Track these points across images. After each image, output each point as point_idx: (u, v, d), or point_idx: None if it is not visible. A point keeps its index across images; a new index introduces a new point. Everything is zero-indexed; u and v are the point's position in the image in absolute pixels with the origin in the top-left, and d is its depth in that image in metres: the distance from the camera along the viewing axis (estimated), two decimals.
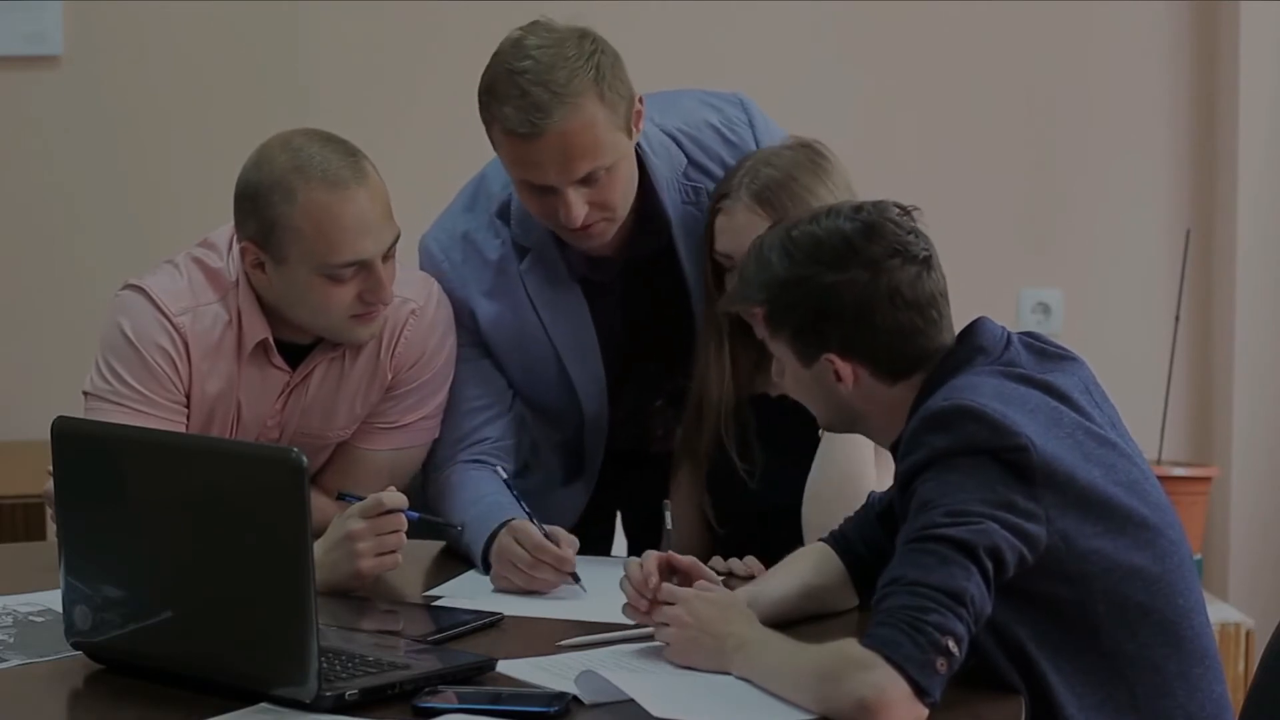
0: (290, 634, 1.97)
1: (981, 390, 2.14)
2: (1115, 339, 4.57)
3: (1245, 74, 4.49)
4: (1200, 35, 4.58)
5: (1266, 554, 4.55)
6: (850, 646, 1.99)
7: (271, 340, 2.72)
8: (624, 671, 2.11)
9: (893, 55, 4.57)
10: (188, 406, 2.71)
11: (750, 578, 2.54)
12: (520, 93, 2.60)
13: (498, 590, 2.58)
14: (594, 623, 2.38)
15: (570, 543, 2.56)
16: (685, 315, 2.81)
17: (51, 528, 2.58)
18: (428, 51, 4.47)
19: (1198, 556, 4.33)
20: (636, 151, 2.73)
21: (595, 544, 2.88)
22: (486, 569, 2.63)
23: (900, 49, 4.57)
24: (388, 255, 2.66)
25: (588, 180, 2.64)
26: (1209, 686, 2.18)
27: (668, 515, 2.55)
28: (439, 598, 2.55)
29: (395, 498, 2.51)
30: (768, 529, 2.68)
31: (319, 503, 2.67)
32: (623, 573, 2.32)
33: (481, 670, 2.13)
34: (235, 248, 2.71)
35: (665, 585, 2.26)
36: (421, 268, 2.87)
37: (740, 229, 2.65)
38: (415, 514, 2.56)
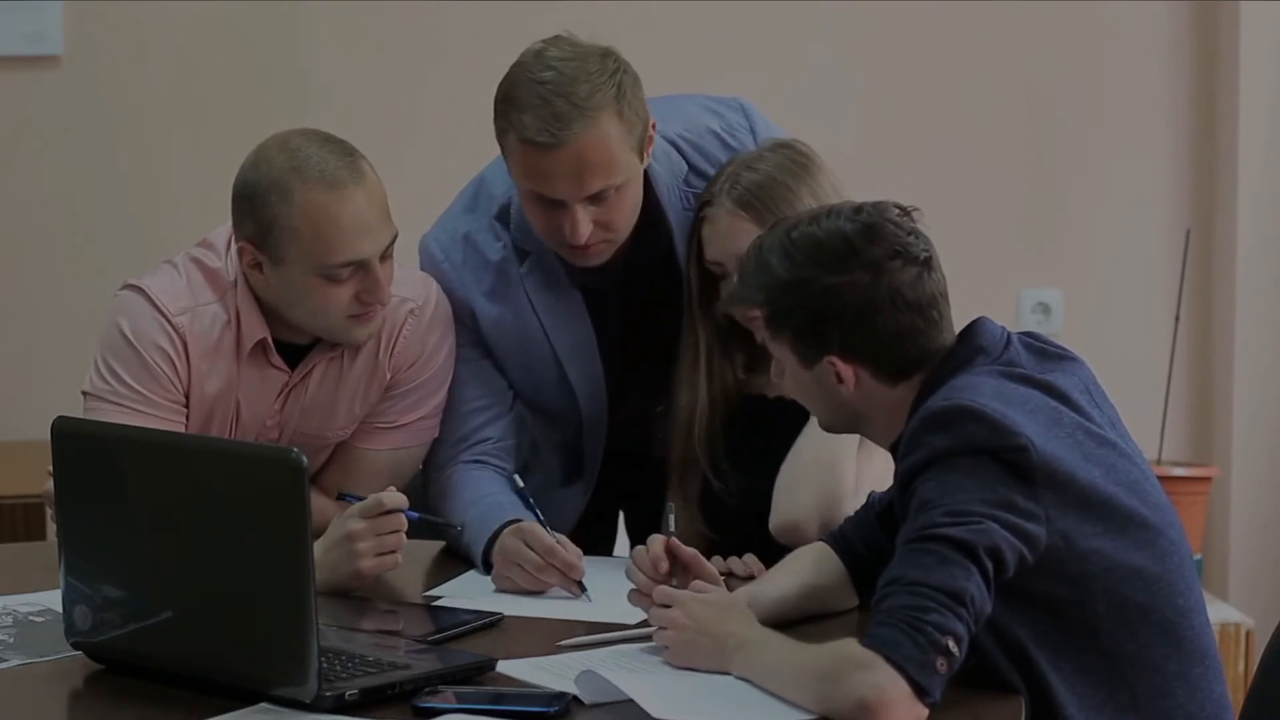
0: (290, 634, 1.97)
1: (981, 390, 2.14)
2: (1115, 339, 4.57)
3: (1245, 74, 4.49)
4: (1200, 35, 4.58)
5: (1266, 554, 4.55)
6: (850, 646, 1.99)
7: (270, 340, 2.72)
8: (624, 671, 2.11)
9: (893, 55, 4.57)
10: (187, 406, 2.71)
11: (750, 578, 2.54)
12: (541, 102, 2.59)
13: (498, 590, 2.58)
14: (594, 623, 2.39)
15: (576, 553, 2.56)
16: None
17: (51, 528, 2.58)
18: (428, 51, 4.47)
19: (1198, 556, 4.33)
20: None
21: (596, 544, 2.88)
22: (487, 569, 2.63)
23: (900, 49, 4.57)
24: (385, 255, 2.66)
25: (597, 198, 2.64)
26: (1209, 686, 2.18)
27: (671, 519, 2.55)
28: (439, 598, 2.55)
29: (395, 498, 2.51)
30: (767, 529, 2.68)
31: (319, 503, 2.68)
32: (622, 574, 2.32)
33: (481, 670, 2.13)
34: (233, 248, 2.71)
35: (661, 588, 2.26)
36: (422, 268, 2.87)
37: (725, 235, 2.65)
38: (415, 514, 2.56)
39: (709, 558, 2.50)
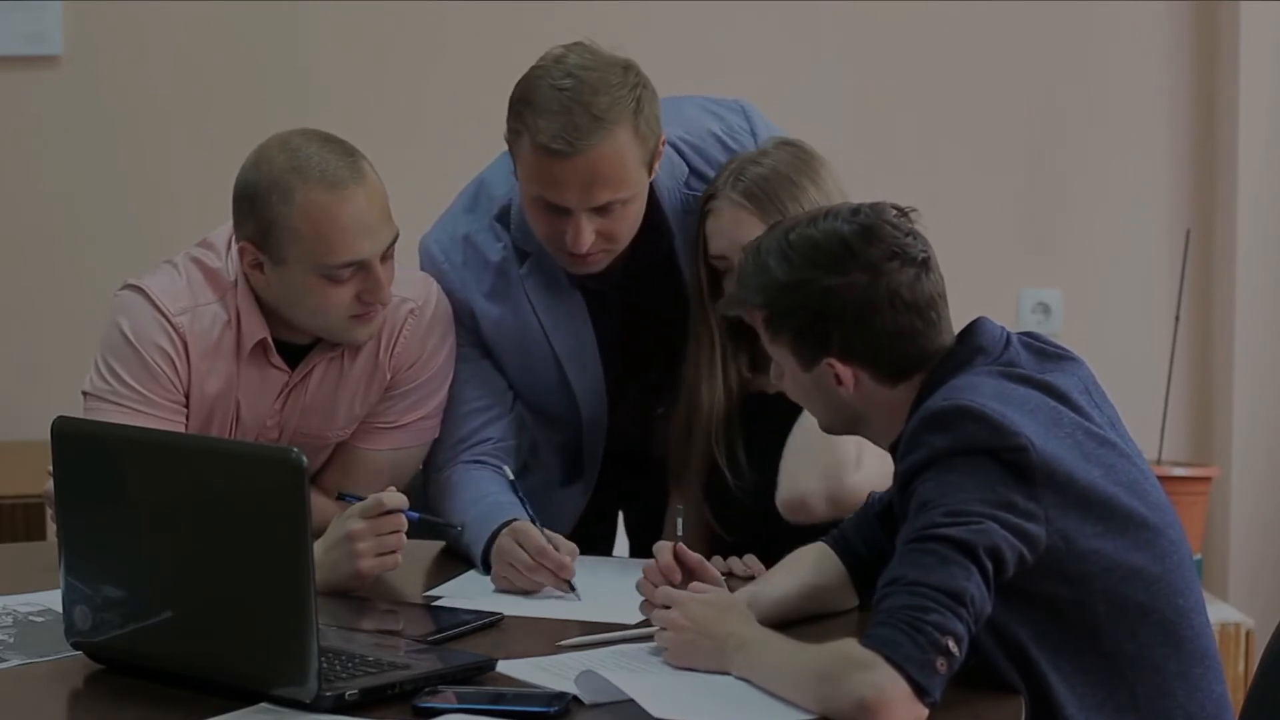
0: (290, 634, 1.97)
1: (981, 390, 2.14)
2: (1115, 339, 4.57)
3: (1245, 74, 4.49)
4: (1200, 35, 4.58)
5: (1266, 554, 4.55)
6: (850, 646, 1.99)
7: (270, 340, 2.72)
8: (624, 671, 2.11)
9: (892, 55, 4.57)
10: (187, 406, 2.71)
11: (750, 578, 2.54)
12: (560, 109, 2.59)
13: (498, 590, 2.58)
14: (594, 623, 2.39)
15: (571, 551, 2.56)
16: (684, 321, 2.81)
17: (51, 528, 2.58)
18: (428, 51, 4.47)
19: (1198, 556, 4.33)
20: None
21: (596, 544, 2.88)
22: (487, 569, 2.63)
23: (900, 49, 4.57)
24: (386, 256, 2.66)
25: (603, 210, 2.64)
26: (1209, 686, 2.18)
27: (679, 521, 2.54)
28: (439, 598, 2.55)
29: (395, 498, 2.51)
30: (768, 529, 2.68)
31: (319, 503, 2.68)
32: (622, 573, 2.32)
33: (481, 670, 2.13)
34: (234, 248, 2.71)
35: (662, 588, 2.26)
36: (422, 268, 2.87)
37: (729, 227, 2.66)
38: (415, 514, 2.56)
39: (709, 558, 2.50)
